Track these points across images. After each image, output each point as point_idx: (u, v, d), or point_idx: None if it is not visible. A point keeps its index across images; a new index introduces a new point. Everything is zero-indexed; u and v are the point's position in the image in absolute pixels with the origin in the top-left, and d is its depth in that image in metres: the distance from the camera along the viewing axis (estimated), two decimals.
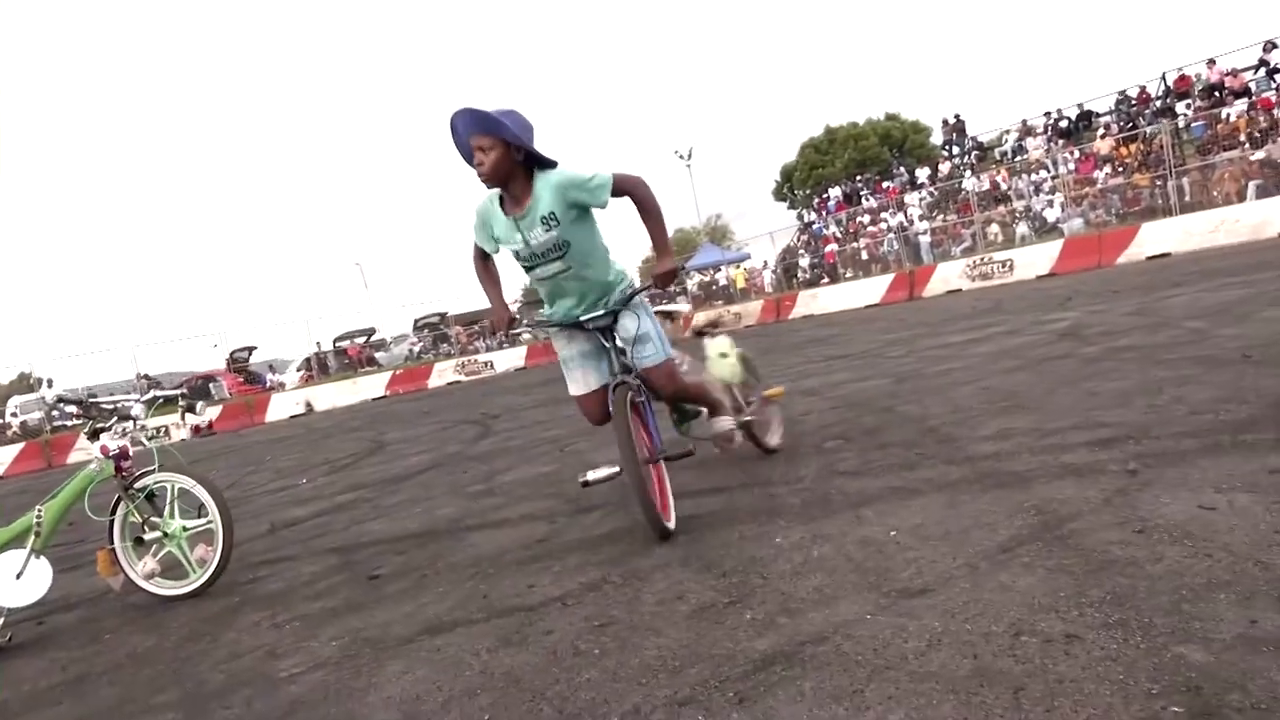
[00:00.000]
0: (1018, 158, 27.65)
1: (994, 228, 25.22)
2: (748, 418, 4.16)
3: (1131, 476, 2.92)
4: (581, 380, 3.50)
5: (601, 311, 3.35)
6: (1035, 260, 19.76)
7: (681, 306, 4.80)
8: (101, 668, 3.10)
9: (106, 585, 3.97)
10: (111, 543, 3.94)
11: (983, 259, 21.24)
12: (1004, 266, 20.33)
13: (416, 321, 35.17)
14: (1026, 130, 28.68)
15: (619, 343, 3.38)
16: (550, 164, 3.19)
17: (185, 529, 3.94)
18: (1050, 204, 24.24)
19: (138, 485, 3.91)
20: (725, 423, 3.72)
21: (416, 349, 33.89)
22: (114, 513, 3.95)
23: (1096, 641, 1.82)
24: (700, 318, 4.58)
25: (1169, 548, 2.25)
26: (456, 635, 2.68)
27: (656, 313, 3.72)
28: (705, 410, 3.79)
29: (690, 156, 40.76)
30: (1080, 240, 19.93)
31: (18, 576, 3.66)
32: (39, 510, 3.76)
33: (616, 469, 3.23)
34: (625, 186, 3.20)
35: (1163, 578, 2.08)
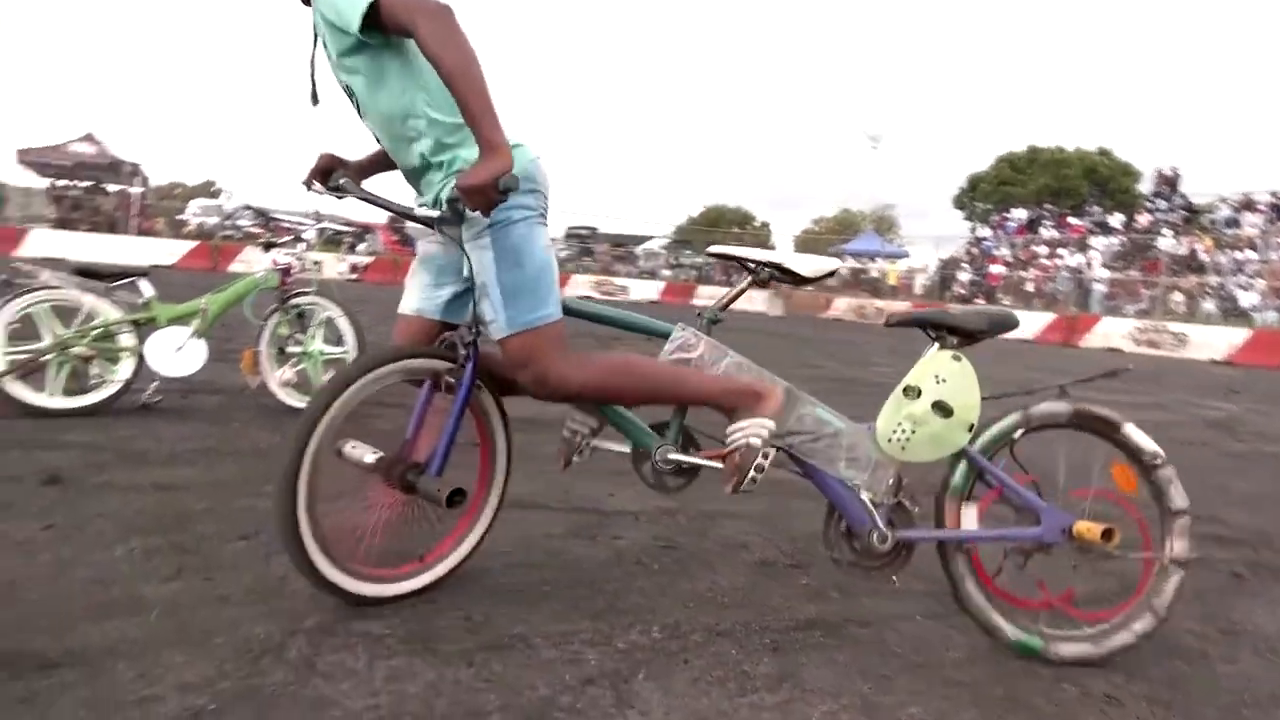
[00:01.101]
0: (1228, 230, 25.47)
1: (1178, 296, 23.47)
2: (902, 534, 2.10)
3: (1237, 580, 2.81)
4: (404, 295, 2.22)
5: (434, 214, 1.94)
6: (1213, 342, 18.35)
7: (814, 265, 2.26)
8: (229, 449, 3.48)
9: (245, 382, 4.39)
10: (259, 346, 4.35)
11: (1155, 325, 19.87)
12: (1176, 340, 18.98)
13: (568, 229, 35.93)
14: (1247, 203, 26.29)
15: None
16: None
17: (323, 353, 4.32)
18: (1249, 288, 22.31)
19: (293, 302, 4.30)
20: (748, 433, 2.07)
21: (562, 254, 34.67)
22: (267, 320, 4.35)
23: (1134, 710, 1.82)
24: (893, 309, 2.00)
25: (1248, 654, 2.19)
26: (534, 514, 2.87)
27: (764, 263, 2.21)
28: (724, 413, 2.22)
29: (879, 141, 39.45)
30: (1270, 334, 18.34)
31: (177, 350, 4.10)
32: (207, 298, 4.19)
33: (375, 458, 2.05)
34: (401, 15, 1.72)
35: (1229, 678, 2.03)
